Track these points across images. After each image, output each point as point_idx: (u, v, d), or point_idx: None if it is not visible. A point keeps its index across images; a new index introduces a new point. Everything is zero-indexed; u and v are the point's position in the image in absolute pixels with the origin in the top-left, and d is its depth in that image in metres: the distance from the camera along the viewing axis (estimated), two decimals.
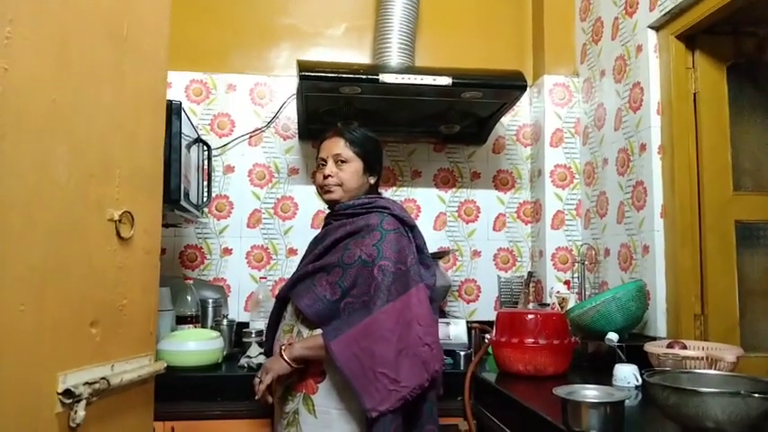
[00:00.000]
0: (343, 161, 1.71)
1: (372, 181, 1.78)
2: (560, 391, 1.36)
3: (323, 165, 1.74)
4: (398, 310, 1.49)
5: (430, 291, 1.62)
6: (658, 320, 2.08)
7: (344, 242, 1.61)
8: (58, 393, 0.97)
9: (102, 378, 1.02)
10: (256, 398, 1.57)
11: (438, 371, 1.56)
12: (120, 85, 1.12)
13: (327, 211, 1.83)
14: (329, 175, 1.70)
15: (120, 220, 1.10)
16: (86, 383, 0.97)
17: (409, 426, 1.53)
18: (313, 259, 1.64)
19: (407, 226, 1.66)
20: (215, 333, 2.19)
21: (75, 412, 0.98)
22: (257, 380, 1.58)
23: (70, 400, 0.97)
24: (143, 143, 1.20)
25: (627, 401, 1.36)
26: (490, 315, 2.74)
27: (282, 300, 1.69)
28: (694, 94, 2.09)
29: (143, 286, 1.23)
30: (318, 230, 2.68)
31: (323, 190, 1.74)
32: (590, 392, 1.36)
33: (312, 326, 1.56)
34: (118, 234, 1.09)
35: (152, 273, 1.28)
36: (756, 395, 1.13)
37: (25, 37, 0.93)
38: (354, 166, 1.72)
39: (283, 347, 1.56)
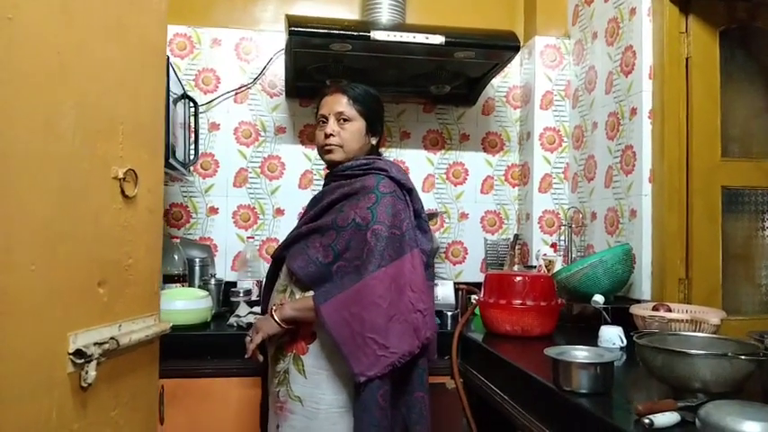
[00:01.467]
0: (345, 119, 1.64)
1: (374, 141, 1.72)
2: (551, 351, 1.38)
3: (323, 122, 1.67)
4: (390, 276, 1.46)
5: (426, 256, 1.60)
6: (643, 283, 2.11)
7: (340, 204, 1.57)
8: (69, 353, 0.96)
9: (111, 338, 1.01)
10: (246, 356, 1.57)
11: (429, 338, 1.54)
12: (123, 39, 1.08)
13: (327, 171, 1.78)
14: (331, 134, 1.63)
15: (124, 178, 1.07)
16: (96, 343, 0.96)
17: (399, 391, 1.53)
18: (308, 220, 1.61)
19: (405, 189, 1.61)
20: (203, 292, 2.18)
21: (87, 372, 0.97)
22: (248, 338, 1.58)
23: (81, 360, 0.96)
24: (145, 99, 1.16)
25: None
26: (476, 277, 2.77)
27: (278, 260, 1.67)
28: (687, 59, 2.08)
29: (147, 246, 1.21)
30: (308, 190, 2.71)
31: (323, 150, 1.67)
32: (580, 353, 1.39)
33: (305, 287, 1.54)
34: (122, 192, 1.06)
35: (155, 232, 1.26)
36: (742, 357, 1.16)
37: None
38: (357, 126, 1.65)
39: (274, 308, 1.54)
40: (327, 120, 1.65)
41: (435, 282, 2.37)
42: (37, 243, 0.91)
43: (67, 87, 0.95)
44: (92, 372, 0.96)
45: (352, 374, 1.42)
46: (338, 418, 1.50)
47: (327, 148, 1.65)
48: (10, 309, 0.86)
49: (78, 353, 0.96)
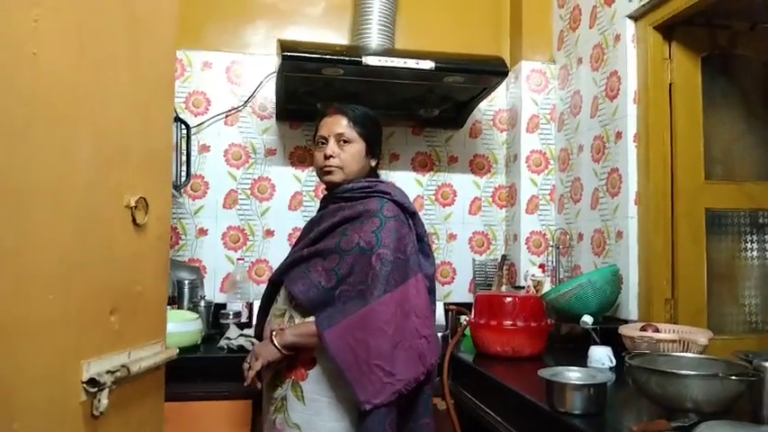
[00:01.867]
0: (345, 141, 1.61)
1: (373, 163, 1.70)
2: (545, 372, 1.40)
3: (323, 143, 1.63)
4: (396, 301, 1.43)
5: (429, 281, 1.57)
6: (630, 304, 2.15)
7: (342, 227, 1.54)
8: (83, 382, 0.95)
9: (123, 366, 1.00)
10: (245, 384, 1.52)
11: (434, 364, 1.51)
12: (134, 69, 1.08)
13: (325, 193, 1.75)
14: (331, 155, 1.60)
15: (135, 207, 1.07)
16: (108, 371, 0.95)
17: (404, 419, 1.49)
18: (308, 243, 1.58)
19: (408, 213, 1.58)
20: (193, 315, 2.17)
21: (99, 401, 0.96)
22: (246, 365, 1.53)
23: (95, 389, 0.95)
24: (155, 127, 1.16)
25: None
26: (465, 297, 2.79)
27: (275, 283, 1.63)
28: (670, 85, 2.14)
29: (155, 273, 1.21)
30: (297, 212, 2.71)
31: (323, 171, 1.64)
32: (573, 374, 1.41)
33: (305, 312, 1.51)
34: (134, 221, 1.06)
35: (163, 259, 1.25)
36: (733, 377, 1.18)
37: (50, 20, 0.89)
38: (357, 148, 1.63)
39: (274, 333, 1.50)
40: (327, 141, 1.62)
41: None
42: (54, 272, 0.91)
43: (83, 118, 0.96)
44: (104, 400, 0.95)
45: (357, 402, 1.38)
46: None
47: (327, 169, 1.62)
48: (27, 338, 0.86)
49: (92, 381, 0.94)
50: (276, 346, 1.48)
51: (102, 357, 0.99)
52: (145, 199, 1.09)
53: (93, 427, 0.97)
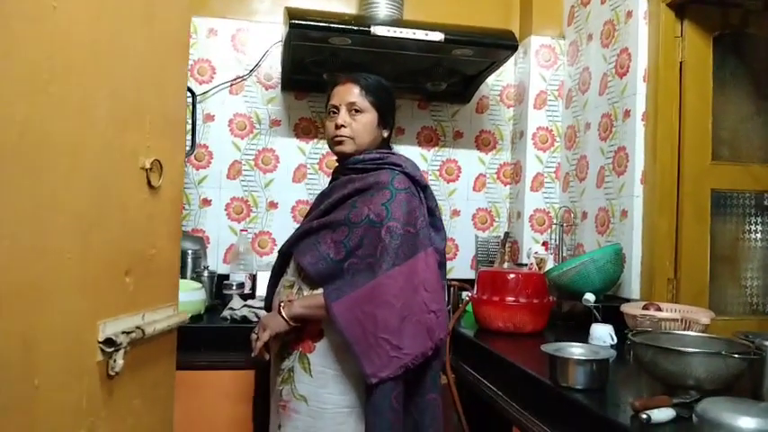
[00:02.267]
0: (357, 110, 1.57)
1: (386, 134, 1.65)
2: (548, 348, 1.41)
3: (334, 113, 1.59)
4: (405, 275, 1.42)
5: (440, 255, 1.55)
6: (633, 283, 2.15)
7: (352, 199, 1.52)
8: (99, 342, 0.96)
9: (137, 327, 1.01)
10: (253, 355, 1.51)
11: (443, 339, 1.49)
12: (150, 30, 1.07)
13: (336, 164, 1.71)
14: (342, 125, 1.56)
15: (150, 169, 1.07)
16: (124, 332, 0.96)
17: (411, 394, 1.48)
18: (318, 215, 1.55)
19: (419, 186, 1.55)
20: (197, 284, 2.18)
21: (115, 361, 0.97)
22: (254, 335, 1.52)
23: (111, 349, 0.96)
24: (170, 90, 1.16)
25: None
26: (467, 273, 2.79)
27: (285, 254, 1.62)
28: (681, 63, 2.12)
29: (168, 236, 1.21)
30: (301, 184, 2.71)
31: (334, 141, 1.60)
32: (576, 350, 1.42)
33: (314, 284, 1.49)
34: (148, 182, 1.06)
35: (176, 222, 1.25)
36: (736, 356, 1.19)
37: None
38: (369, 118, 1.58)
39: (282, 305, 1.49)
40: (339, 110, 1.59)
41: None
42: (71, 231, 0.91)
43: (101, 77, 0.95)
44: (119, 360, 0.96)
45: (364, 375, 1.38)
46: (345, 418, 1.45)
47: (338, 139, 1.58)
48: (45, 296, 0.86)
49: (108, 341, 0.96)
50: (284, 318, 1.47)
51: (117, 318, 1.00)
52: (159, 161, 1.08)
53: (109, 386, 0.98)
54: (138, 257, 1.06)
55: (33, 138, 0.83)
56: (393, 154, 1.62)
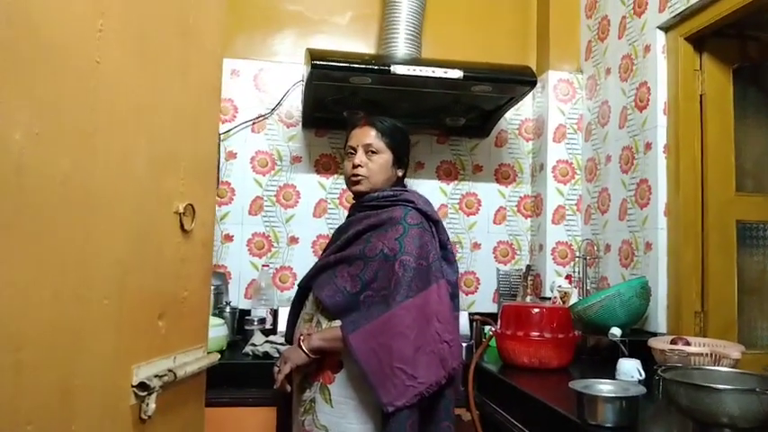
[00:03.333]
0: (373, 152, 1.68)
1: (400, 173, 1.75)
2: (576, 385, 1.38)
3: (352, 153, 1.70)
4: (418, 306, 1.47)
5: (452, 287, 1.61)
6: (659, 316, 2.12)
7: (367, 234, 1.59)
8: (133, 386, 0.98)
9: (169, 370, 1.02)
10: (275, 387, 1.57)
11: (456, 368, 1.54)
12: (185, 78, 1.11)
13: (353, 202, 1.80)
14: (359, 165, 1.67)
15: (184, 213, 1.10)
16: (156, 376, 0.97)
17: (425, 422, 1.52)
18: (335, 250, 1.63)
19: (431, 221, 1.63)
20: (219, 320, 2.18)
21: (147, 404, 0.99)
22: (276, 368, 1.58)
23: (144, 393, 0.98)
24: (203, 135, 1.20)
25: None
26: (489, 307, 2.77)
27: (304, 288, 1.69)
28: (701, 96, 2.12)
29: (200, 278, 1.24)
30: (322, 219, 2.73)
31: (351, 180, 1.70)
32: (605, 387, 1.39)
33: (331, 316, 1.56)
34: (182, 226, 1.09)
35: (207, 264, 1.28)
36: None
37: (114, 30, 0.93)
38: (384, 158, 1.69)
39: (302, 338, 1.55)
40: (356, 151, 1.69)
41: None
42: (110, 278, 0.94)
43: (141, 126, 0.99)
44: (152, 404, 0.97)
45: (380, 404, 1.42)
46: None
47: (354, 179, 1.68)
48: (85, 342, 0.88)
49: (141, 385, 0.97)
50: (304, 351, 1.53)
51: (150, 362, 1.01)
52: (192, 205, 1.11)
53: (141, 429, 0.99)
54: (171, 300, 1.08)
55: (76, 188, 0.86)
56: (406, 191, 1.71)
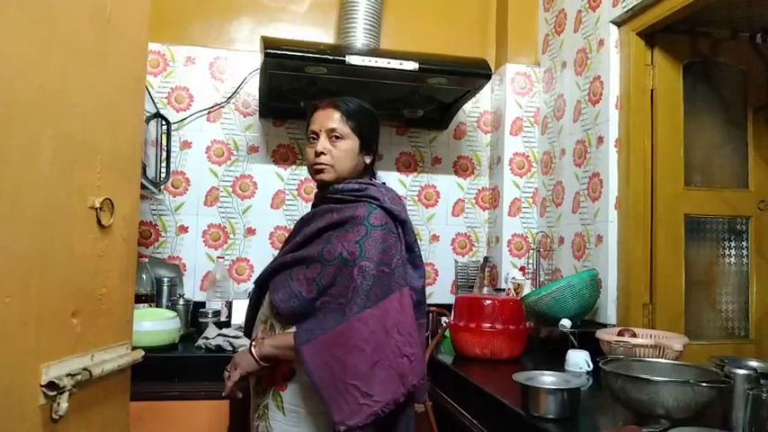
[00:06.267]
0: (338, 137, 1.50)
1: (368, 161, 1.57)
2: (520, 377, 1.40)
3: (314, 139, 1.52)
4: (376, 318, 1.35)
5: (417, 294, 1.50)
6: (609, 308, 2.16)
7: (328, 234, 1.46)
8: (42, 386, 0.94)
9: (84, 369, 0.98)
10: (223, 394, 1.48)
11: (416, 385, 1.40)
12: (102, 68, 1.07)
13: (317, 190, 1.64)
14: (321, 152, 1.50)
15: (100, 208, 1.06)
16: (69, 375, 0.94)
17: None
18: (294, 247, 1.50)
19: (398, 221, 1.48)
20: (171, 313, 2.15)
21: (59, 404, 0.95)
22: (226, 374, 1.49)
23: (54, 393, 0.94)
24: (123, 127, 1.15)
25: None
26: (447, 298, 2.79)
27: (260, 286, 1.57)
28: (652, 91, 2.15)
29: (121, 274, 1.19)
30: (279, 210, 2.70)
31: (313, 169, 1.53)
32: (548, 379, 1.41)
33: (286, 321, 1.45)
34: (98, 222, 1.05)
35: (130, 260, 1.24)
36: (704, 384, 1.19)
37: (13, 18, 0.88)
38: (350, 144, 1.51)
39: (254, 343, 1.46)
40: (318, 136, 1.52)
41: None
42: (12, 275, 0.90)
43: (47, 118, 0.94)
44: (63, 404, 0.94)
45: (332, 423, 1.32)
46: None
47: (317, 167, 1.51)
48: None
49: (51, 385, 0.94)
50: (254, 357, 1.43)
51: (62, 360, 0.97)
52: (110, 200, 1.07)
53: (53, 429, 0.96)
54: (87, 297, 1.05)
55: None
56: (373, 185, 1.54)
